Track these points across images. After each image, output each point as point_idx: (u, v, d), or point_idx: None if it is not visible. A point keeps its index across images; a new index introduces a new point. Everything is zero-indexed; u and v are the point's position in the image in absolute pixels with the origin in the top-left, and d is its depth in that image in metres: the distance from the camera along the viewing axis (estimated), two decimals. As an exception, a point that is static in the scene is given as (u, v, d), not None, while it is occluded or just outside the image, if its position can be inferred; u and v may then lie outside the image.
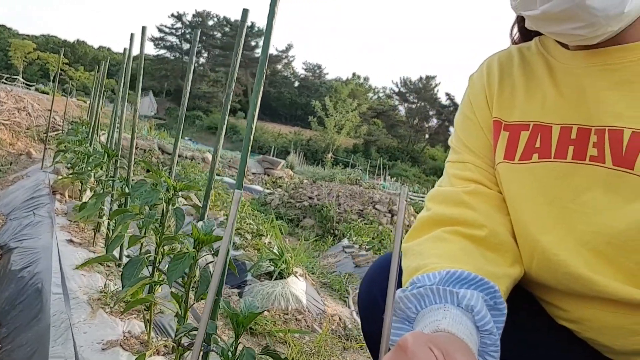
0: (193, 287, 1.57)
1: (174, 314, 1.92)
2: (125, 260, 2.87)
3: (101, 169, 3.35)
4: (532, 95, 1.02)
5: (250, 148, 1.50)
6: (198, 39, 2.49)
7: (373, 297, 1.10)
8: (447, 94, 79.87)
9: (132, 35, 3.25)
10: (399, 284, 0.95)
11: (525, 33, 1.16)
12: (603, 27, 0.86)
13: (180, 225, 1.89)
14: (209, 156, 13.97)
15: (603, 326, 0.93)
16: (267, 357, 1.14)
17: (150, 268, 1.98)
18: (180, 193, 2.04)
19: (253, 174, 14.62)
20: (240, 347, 1.10)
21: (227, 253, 0.64)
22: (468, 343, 0.72)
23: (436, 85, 77.98)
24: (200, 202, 2.15)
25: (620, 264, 0.87)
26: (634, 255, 0.85)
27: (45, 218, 3.79)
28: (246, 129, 1.44)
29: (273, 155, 35.40)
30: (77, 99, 28.90)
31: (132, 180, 2.92)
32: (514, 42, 1.19)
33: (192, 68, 2.45)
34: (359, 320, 4.14)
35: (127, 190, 2.79)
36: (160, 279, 2.09)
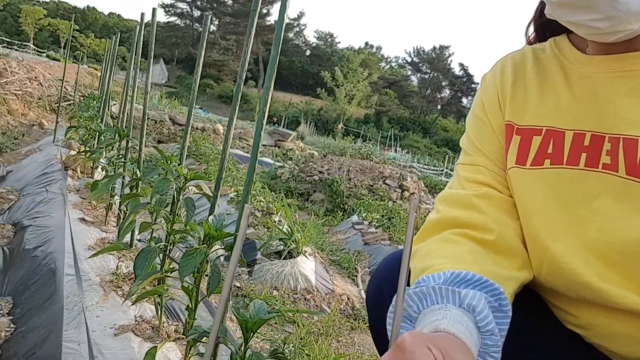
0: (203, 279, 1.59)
1: (186, 298, 1.95)
2: (136, 243, 2.91)
3: (112, 149, 3.37)
4: (545, 99, 1.01)
5: (257, 155, 1.50)
6: (209, 22, 2.46)
7: (381, 296, 1.11)
8: (461, 64, 79.15)
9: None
10: (407, 285, 0.96)
11: (540, 32, 1.14)
12: (622, 23, 0.84)
13: (191, 215, 1.90)
14: (220, 127, 13.96)
15: (612, 333, 0.93)
16: (277, 361, 1.16)
17: (161, 256, 2.00)
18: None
19: (264, 145, 14.62)
20: (248, 352, 1.12)
21: (235, 266, 0.65)
22: (467, 343, 0.72)
23: (450, 55, 77.10)
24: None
25: (631, 273, 0.86)
26: None
27: (57, 195, 3.83)
28: (255, 136, 1.43)
29: (284, 126, 35.35)
30: (88, 66, 28.87)
31: (143, 161, 2.94)
32: (529, 42, 1.17)
33: (203, 52, 2.43)
34: (367, 299, 4.19)
35: (138, 173, 2.80)
36: (171, 266, 2.12)
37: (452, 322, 0.74)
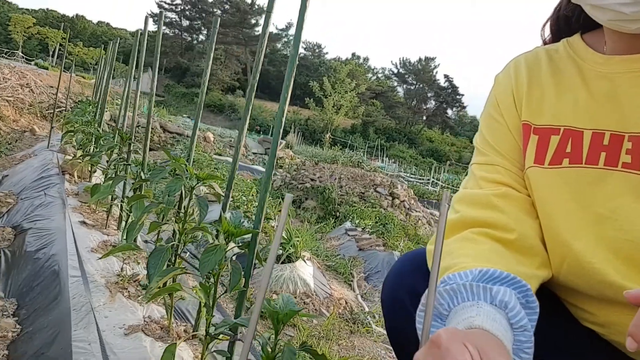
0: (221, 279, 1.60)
1: (192, 300, 1.96)
2: (141, 244, 2.91)
3: (113, 153, 3.37)
4: (562, 99, 1.01)
5: (274, 165, 1.53)
6: (214, 37, 2.49)
7: (399, 300, 1.10)
8: (446, 76, 79.61)
9: (146, 18, 3.24)
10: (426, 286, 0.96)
11: (556, 32, 1.15)
12: None
13: (204, 214, 1.92)
14: (210, 135, 13.96)
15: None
16: (306, 353, 1.17)
17: (172, 256, 2.01)
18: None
19: (254, 154, 14.63)
20: (280, 344, 1.14)
21: (275, 254, 0.67)
22: (502, 340, 0.72)
23: (435, 67, 77.50)
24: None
25: None
26: None
27: (56, 199, 3.81)
28: (272, 145, 1.45)
29: (271, 135, 35.30)
30: (76, 75, 28.71)
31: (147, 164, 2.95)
32: (544, 42, 1.17)
33: (208, 68, 2.45)
34: (364, 304, 4.20)
35: (142, 176, 2.81)
36: (181, 265, 2.13)
37: (486, 318, 0.75)
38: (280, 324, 1.15)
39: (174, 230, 2.33)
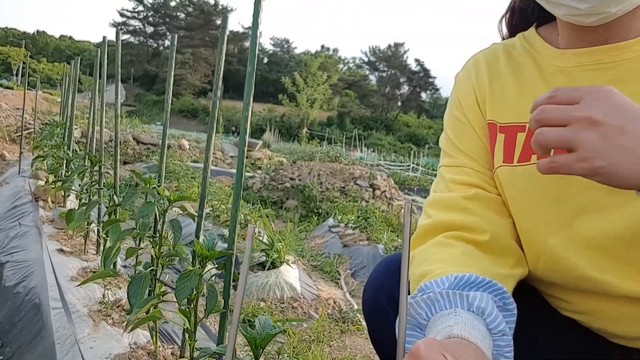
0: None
1: (178, 325, 1.95)
2: (120, 269, 2.88)
3: (84, 176, 3.32)
4: (523, 95, 1.02)
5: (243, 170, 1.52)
6: (175, 42, 2.47)
7: (379, 305, 1.10)
8: (417, 60, 80.00)
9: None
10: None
11: (512, 27, 1.15)
12: (602, 4, 0.84)
13: (178, 237, 1.90)
14: (185, 143, 13.85)
15: (609, 316, 0.96)
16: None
17: (151, 281, 1.99)
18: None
19: (231, 157, 14.54)
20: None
21: (244, 287, 0.67)
22: (482, 347, 0.72)
23: (405, 51, 78.07)
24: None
25: (628, 259, 0.88)
26: None
27: (31, 227, 3.76)
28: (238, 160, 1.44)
29: (248, 135, 35.11)
30: (43, 92, 28.25)
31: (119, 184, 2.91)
32: (502, 39, 1.17)
33: (172, 74, 2.43)
34: (353, 301, 4.22)
35: (115, 199, 2.78)
36: (162, 290, 2.12)
37: (465, 326, 0.75)
38: (260, 348, 1.15)
39: (152, 255, 2.31)
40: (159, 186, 2.29)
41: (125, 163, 11.60)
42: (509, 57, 1.08)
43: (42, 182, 4.84)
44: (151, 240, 2.11)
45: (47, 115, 12.64)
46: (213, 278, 1.65)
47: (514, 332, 0.81)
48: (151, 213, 1.99)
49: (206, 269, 1.62)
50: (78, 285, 2.33)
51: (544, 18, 1.06)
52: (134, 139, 13.08)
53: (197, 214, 2.01)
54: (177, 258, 1.98)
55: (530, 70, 1.03)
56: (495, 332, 0.78)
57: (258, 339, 1.11)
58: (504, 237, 0.99)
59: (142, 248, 2.14)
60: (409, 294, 0.92)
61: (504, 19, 1.17)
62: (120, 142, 12.58)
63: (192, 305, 1.59)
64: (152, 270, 1.96)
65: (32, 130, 9.67)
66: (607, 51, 0.92)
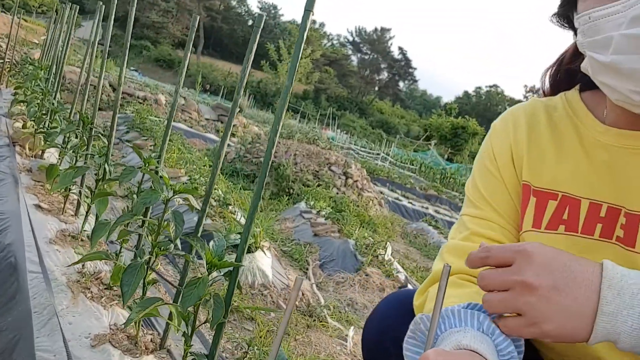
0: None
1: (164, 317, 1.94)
2: (102, 240, 2.83)
3: (75, 137, 3.23)
4: (562, 163, 1.02)
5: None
6: None
7: (384, 348, 1.11)
8: (400, 48, 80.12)
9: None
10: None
11: (555, 84, 1.15)
12: None
13: (180, 230, 1.88)
14: (162, 98, 13.56)
15: None
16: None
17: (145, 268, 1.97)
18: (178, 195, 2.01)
19: (207, 119, 14.33)
20: None
21: (284, 330, 0.67)
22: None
23: (390, 38, 78.00)
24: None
25: None
26: None
27: (7, 175, 3.63)
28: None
29: (222, 96, 34.74)
30: (19, 18, 27.10)
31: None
32: (543, 92, 1.17)
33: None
34: (319, 294, 4.26)
35: (106, 167, 2.72)
36: (152, 277, 2.10)
37: (474, 339, 0.76)
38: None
39: (139, 235, 2.27)
40: (157, 168, 2.26)
41: (99, 110, 11.29)
42: (550, 120, 1.08)
43: (19, 124, 4.68)
44: (148, 226, 2.08)
45: (24, 46, 12.17)
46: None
47: None
48: (155, 201, 1.96)
49: (212, 277, 1.61)
50: (70, 265, 2.28)
51: (591, 82, 1.03)
52: (110, 85, 12.73)
53: (200, 209, 1.99)
54: (172, 246, 1.96)
55: (571, 138, 1.03)
56: (503, 353, 0.78)
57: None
58: None
59: (136, 232, 2.11)
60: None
61: (548, 71, 1.16)
62: (94, 86, 12.24)
63: (194, 310, 1.58)
64: (147, 259, 1.93)
65: (7, 60, 9.29)
66: None
